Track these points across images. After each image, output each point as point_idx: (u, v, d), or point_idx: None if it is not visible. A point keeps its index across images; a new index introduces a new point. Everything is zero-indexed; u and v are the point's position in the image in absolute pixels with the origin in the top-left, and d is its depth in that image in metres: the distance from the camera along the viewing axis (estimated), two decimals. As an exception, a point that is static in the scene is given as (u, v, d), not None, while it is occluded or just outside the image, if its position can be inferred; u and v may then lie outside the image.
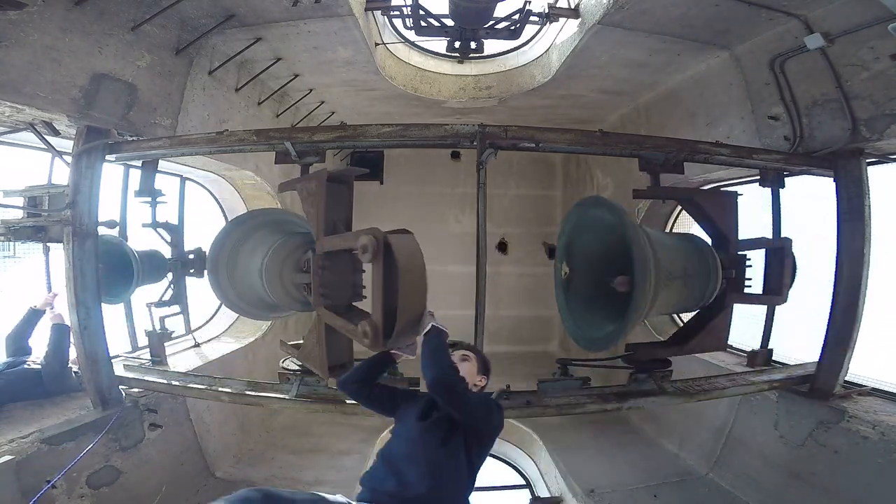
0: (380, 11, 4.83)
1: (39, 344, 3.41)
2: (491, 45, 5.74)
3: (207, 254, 3.16)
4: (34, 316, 3.41)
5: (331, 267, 2.45)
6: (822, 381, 3.35)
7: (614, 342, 2.83)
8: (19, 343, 3.36)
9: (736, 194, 3.28)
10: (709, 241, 3.18)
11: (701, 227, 3.32)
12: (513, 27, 4.95)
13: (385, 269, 1.92)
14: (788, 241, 3.28)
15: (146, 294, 3.78)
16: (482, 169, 2.76)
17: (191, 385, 3.24)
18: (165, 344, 3.87)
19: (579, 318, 3.16)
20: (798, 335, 4.11)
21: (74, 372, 3.31)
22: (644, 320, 3.29)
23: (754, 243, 3.32)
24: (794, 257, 3.26)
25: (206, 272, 3.19)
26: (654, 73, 4.77)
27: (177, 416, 3.84)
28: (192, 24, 3.69)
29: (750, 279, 3.17)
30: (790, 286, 3.25)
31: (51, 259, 3.58)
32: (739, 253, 3.16)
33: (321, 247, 2.44)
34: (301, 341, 2.81)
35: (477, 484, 1.91)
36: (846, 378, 3.41)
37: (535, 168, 8.65)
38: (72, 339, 3.17)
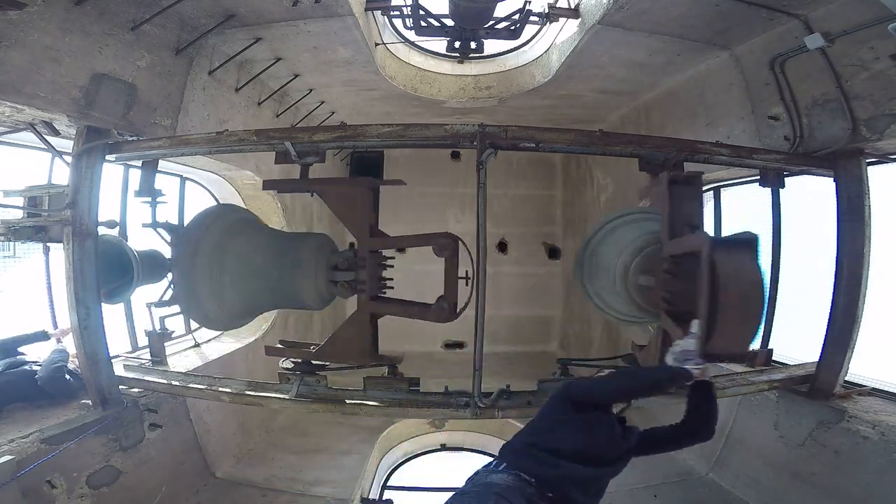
0: (380, 11, 4.83)
1: (32, 354, 3.42)
2: (491, 45, 5.74)
3: (176, 257, 3.10)
4: (40, 337, 3.46)
5: (372, 263, 2.89)
6: (822, 381, 3.35)
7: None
8: (8, 347, 3.36)
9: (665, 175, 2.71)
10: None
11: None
12: (513, 27, 4.95)
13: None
14: (708, 240, 2.12)
15: (146, 294, 3.77)
16: (482, 169, 2.76)
17: (191, 385, 3.24)
18: (165, 344, 3.87)
19: None
20: (798, 335, 4.10)
21: (72, 373, 3.30)
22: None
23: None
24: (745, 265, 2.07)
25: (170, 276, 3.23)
26: (654, 73, 4.77)
27: (177, 416, 3.84)
28: (192, 24, 3.69)
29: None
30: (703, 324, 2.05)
31: (51, 259, 3.58)
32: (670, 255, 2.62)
33: (371, 245, 2.84)
34: (295, 341, 2.87)
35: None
36: (846, 378, 3.41)
37: (535, 168, 8.65)
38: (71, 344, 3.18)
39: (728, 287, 1.98)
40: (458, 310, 2.73)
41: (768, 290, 3.20)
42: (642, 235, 2.97)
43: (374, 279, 2.94)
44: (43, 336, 3.47)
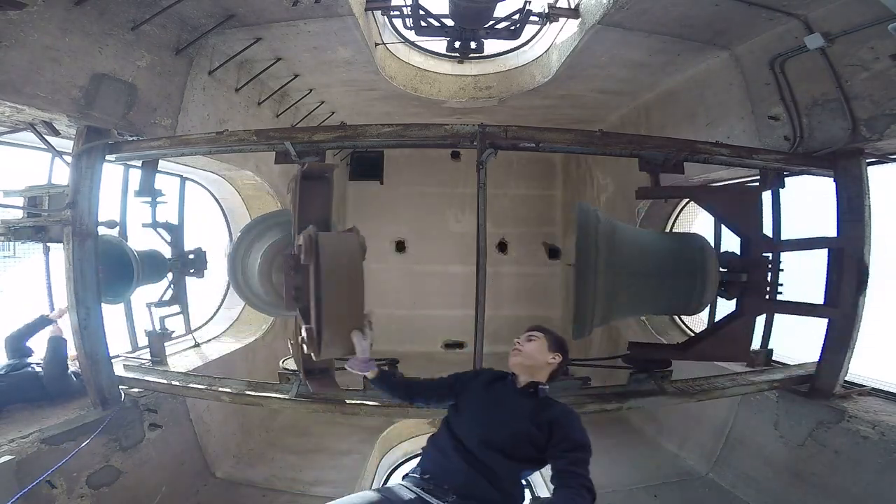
0: (380, 11, 4.83)
1: (38, 347, 3.41)
2: (491, 45, 5.74)
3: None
4: (43, 323, 3.43)
5: (298, 267, 2.29)
6: (822, 381, 3.35)
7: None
8: (18, 344, 3.36)
9: (752, 190, 3.16)
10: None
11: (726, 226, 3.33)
12: (513, 27, 4.95)
13: (316, 271, 1.76)
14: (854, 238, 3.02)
15: (146, 294, 3.78)
16: (482, 169, 2.76)
17: (191, 385, 3.24)
18: (165, 344, 3.87)
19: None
20: (798, 335, 4.10)
21: (74, 373, 3.30)
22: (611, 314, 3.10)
23: (805, 243, 3.25)
24: (860, 259, 3.08)
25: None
26: (654, 73, 4.76)
27: (177, 416, 3.84)
28: (192, 24, 3.69)
29: (781, 284, 3.19)
30: (854, 295, 3.06)
31: (51, 259, 3.59)
32: (764, 255, 3.07)
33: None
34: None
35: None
36: (846, 378, 3.41)
37: (535, 168, 8.64)
38: (71, 341, 3.17)
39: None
40: (318, 344, 1.81)
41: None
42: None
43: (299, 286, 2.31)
44: (45, 321, 3.43)
